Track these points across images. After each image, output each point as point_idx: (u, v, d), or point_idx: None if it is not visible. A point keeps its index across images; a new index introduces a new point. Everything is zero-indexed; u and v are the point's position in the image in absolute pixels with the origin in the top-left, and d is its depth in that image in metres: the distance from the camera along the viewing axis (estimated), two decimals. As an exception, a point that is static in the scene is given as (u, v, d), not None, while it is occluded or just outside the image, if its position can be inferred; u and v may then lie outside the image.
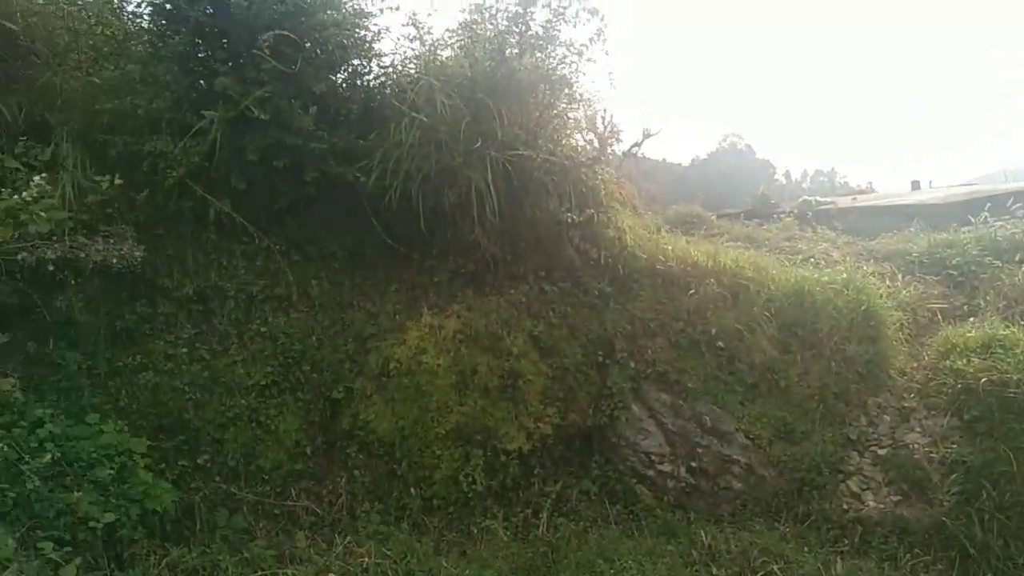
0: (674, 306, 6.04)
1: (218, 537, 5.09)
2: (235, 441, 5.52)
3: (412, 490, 5.52)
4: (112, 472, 4.77)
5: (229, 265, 5.78)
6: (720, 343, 5.88)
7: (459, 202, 5.60)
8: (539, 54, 5.75)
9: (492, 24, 5.83)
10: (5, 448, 4.40)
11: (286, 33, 5.03)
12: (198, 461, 5.43)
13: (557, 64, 5.69)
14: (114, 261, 4.83)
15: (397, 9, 5.74)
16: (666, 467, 5.69)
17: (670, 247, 6.36)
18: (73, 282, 5.19)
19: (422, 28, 5.93)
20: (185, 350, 5.59)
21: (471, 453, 5.51)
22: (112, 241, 4.85)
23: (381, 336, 5.81)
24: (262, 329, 5.77)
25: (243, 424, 5.57)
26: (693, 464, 5.65)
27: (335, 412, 5.76)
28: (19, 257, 4.57)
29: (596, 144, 6.22)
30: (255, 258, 5.83)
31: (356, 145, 5.58)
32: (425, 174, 5.53)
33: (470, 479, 5.46)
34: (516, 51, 5.66)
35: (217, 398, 5.56)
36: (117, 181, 4.99)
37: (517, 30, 5.66)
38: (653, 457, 5.71)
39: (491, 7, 5.81)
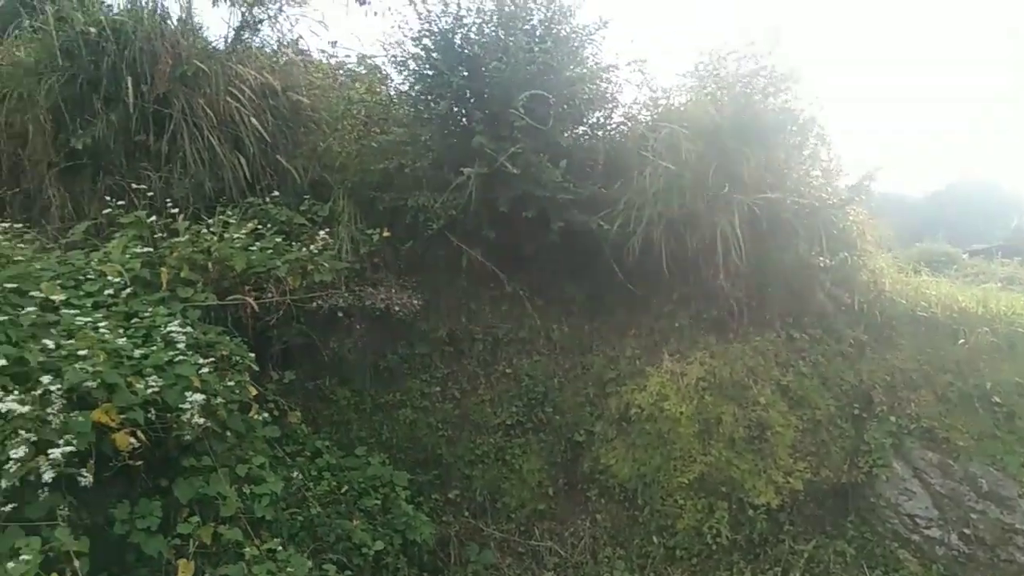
0: (940, 356, 6.01)
1: (470, 571, 5.82)
2: (483, 478, 6.27)
3: (654, 538, 5.93)
4: (378, 502, 5.64)
5: (477, 309, 6.60)
6: (996, 398, 5.77)
7: (702, 247, 6.02)
8: (784, 96, 6.07)
9: (735, 65, 6.25)
10: (297, 475, 5.39)
11: (539, 92, 5.76)
12: (449, 495, 6.24)
13: (807, 104, 5.98)
14: (396, 309, 5.75)
15: (641, 63, 6.32)
16: (934, 532, 5.66)
17: (931, 291, 6.34)
18: (345, 325, 6.24)
19: (648, 75, 6.52)
20: (438, 389, 6.46)
21: (716, 505, 5.83)
22: (393, 291, 5.79)
23: (621, 381, 6.33)
24: (507, 370, 6.51)
25: (490, 462, 6.32)
26: (967, 531, 5.57)
27: (576, 454, 6.34)
28: (314, 305, 5.61)
29: (822, 179, 6.40)
30: (501, 303, 6.61)
31: (599, 194, 6.18)
32: (668, 220, 6.01)
33: (715, 531, 5.77)
34: (761, 94, 6.02)
35: (467, 435, 6.36)
36: (385, 234, 6.00)
37: (764, 73, 6.02)
38: (919, 520, 5.70)
39: (733, 51, 6.23)
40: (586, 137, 6.43)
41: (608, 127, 6.59)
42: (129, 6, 6.38)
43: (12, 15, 6.61)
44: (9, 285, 4.30)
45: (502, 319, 6.59)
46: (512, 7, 6.09)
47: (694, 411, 5.94)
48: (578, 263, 6.54)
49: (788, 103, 6.06)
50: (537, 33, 6.23)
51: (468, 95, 6.07)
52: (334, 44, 8.01)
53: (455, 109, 6.07)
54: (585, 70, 6.25)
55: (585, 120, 6.51)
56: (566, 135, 6.15)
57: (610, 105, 6.54)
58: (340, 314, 5.77)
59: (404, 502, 5.71)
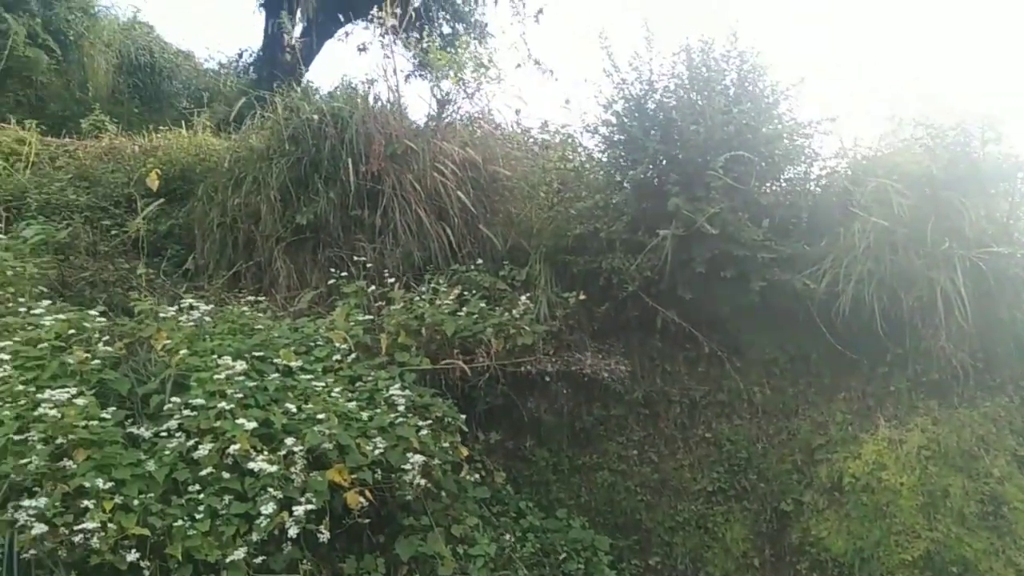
0: None
1: (674, 641, 6.13)
2: (683, 545, 6.59)
3: (875, 617, 5.98)
4: (581, 567, 6.11)
5: (673, 371, 7.02)
6: None
7: (919, 305, 6.12)
8: (1007, 143, 6.13)
9: (946, 112, 6.40)
10: (508, 537, 5.99)
11: (739, 153, 6.21)
12: (650, 562, 6.61)
13: (1028, 150, 6.01)
14: (605, 375, 6.33)
15: (836, 117, 6.62)
16: None
17: None
18: (540, 385, 6.87)
19: (847, 126, 6.77)
20: (635, 452, 6.89)
21: (946, 586, 5.80)
22: (600, 357, 6.37)
23: (831, 448, 6.48)
24: (706, 435, 6.85)
25: (691, 529, 6.64)
26: None
27: (783, 525, 6.52)
28: (522, 369, 6.29)
29: None
30: (697, 364, 6.99)
31: (802, 252, 6.47)
32: (879, 278, 6.19)
33: (947, 614, 5.74)
34: (979, 140, 6.13)
35: (666, 501, 6.73)
36: (581, 297, 6.63)
37: (978, 118, 6.13)
38: None
39: (941, 96, 6.38)
40: (785, 194, 6.76)
41: (807, 182, 6.89)
42: (346, 95, 7.55)
43: (248, 108, 8.00)
44: (257, 353, 5.28)
45: (699, 381, 6.95)
46: (706, 71, 6.61)
47: (916, 482, 5.98)
48: (780, 323, 6.80)
49: (1012, 149, 6.11)
50: (731, 93, 6.70)
51: (661, 158, 6.61)
52: (518, 112, 8.82)
53: (652, 173, 6.62)
54: (781, 126, 6.62)
55: (783, 176, 6.85)
56: (765, 193, 6.52)
57: (808, 159, 6.85)
58: (547, 379, 6.40)
59: (607, 567, 6.16)
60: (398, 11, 7.97)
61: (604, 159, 7.21)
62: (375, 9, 7.86)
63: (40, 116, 11.96)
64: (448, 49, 14.00)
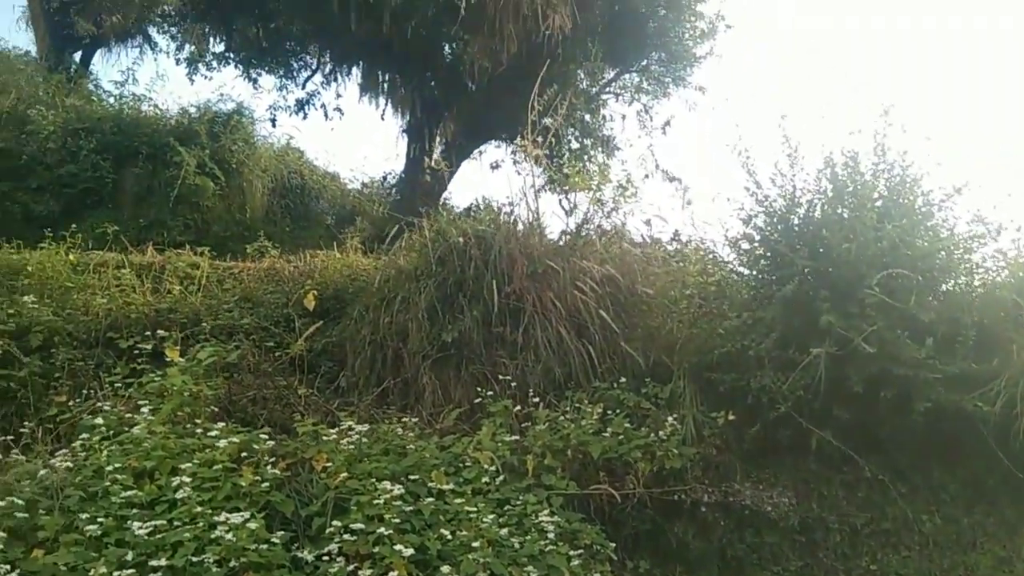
0: None
1: None
2: None
3: None
4: None
5: (830, 495, 6.62)
6: None
7: (1112, 431, 5.59)
8: None
9: None
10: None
11: (893, 271, 5.99)
12: None
13: None
14: (768, 508, 6.07)
15: (996, 233, 6.31)
16: None
17: None
18: (687, 509, 6.62)
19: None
20: (792, 583, 6.48)
21: None
22: (757, 484, 6.13)
23: (1018, 587, 5.88)
24: (871, 567, 6.35)
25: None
26: None
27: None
28: (675, 497, 6.12)
29: None
30: (856, 488, 6.57)
31: (970, 371, 6.07)
32: (1063, 400, 5.71)
33: None
34: None
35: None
36: (730, 417, 6.43)
37: None
38: None
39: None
40: (946, 309, 6.42)
41: (970, 295, 6.54)
42: (489, 217, 7.88)
43: (398, 231, 8.47)
44: (411, 476, 5.38)
45: (859, 507, 6.52)
46: (852, 185, 6.50)
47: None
48: (948, 446, 6.36)
49: None
50: (880, 206, 6.54)
51: (810, 275, 6.46)
52: (649, 223, 8.90)
53: (798, 289, 6.47)
54: (937, 240, 6.37)
55: (941, 290, 6.54)
56: (924, 309, 6.23)
57: (968, 272, 6.52)
58: (703, 509, 6.19)
59: None
60: (539, 139, 8.28)
61: (747, 273, 7.12)
62: (518, 139, 8.20)
63: (205, 237, 13.10)
64: (578, 164, 14.50)
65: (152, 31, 17.63)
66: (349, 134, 15.40)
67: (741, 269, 7.24)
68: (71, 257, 8.13)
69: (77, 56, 17.25)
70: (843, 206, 6.60)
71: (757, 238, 6.98)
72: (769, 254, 6.84)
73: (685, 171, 14.86)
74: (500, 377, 6.83)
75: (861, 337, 5.99)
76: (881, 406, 6.31)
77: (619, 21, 13.73)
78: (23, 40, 16.70)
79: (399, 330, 7.67)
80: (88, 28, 15.85)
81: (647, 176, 14.24)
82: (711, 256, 7.75)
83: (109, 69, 17.94)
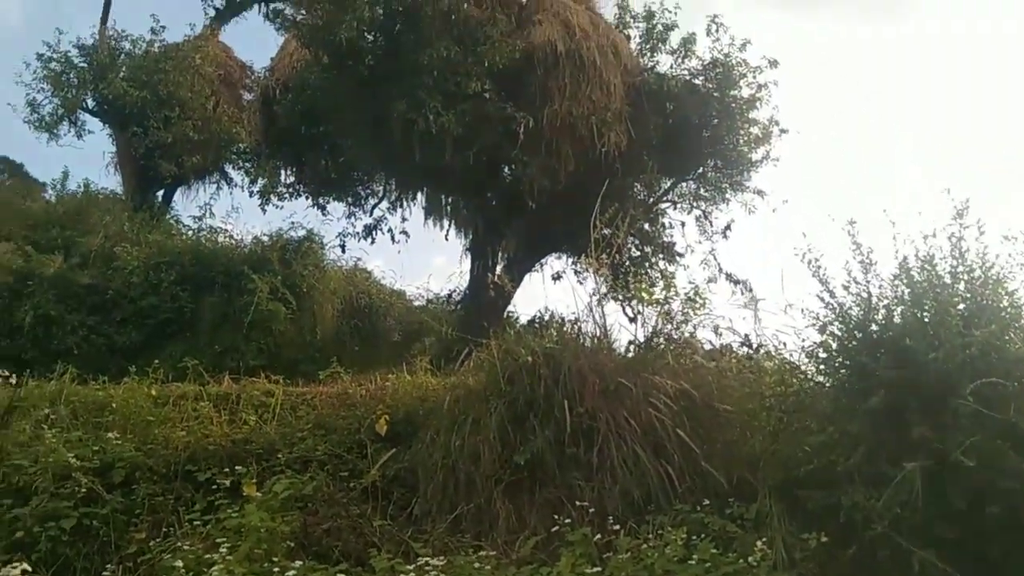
0: None
1: None
2: None
3: None
4: None
5: (944, 623, 6.10)
6: None
7: None
8: None
9: None
10: None
11: (986, 381, 5.69)
12: None
13: None
14: None
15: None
16: None
17: None
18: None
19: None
20: None
21: None
22: None
23: None
24: None
25: None
26: None
27: None
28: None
29: None
30: (970, 614, 6.05)
31: (1087, 482, 5.64)
32: None
33: None
34: None
35: None
36: (823, 539, 6.05)
37: None
38: None
39: None
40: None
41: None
42: (557, 335, 7.87)
43: (462, 344, 8.51)
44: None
45: (978, 635, 5.99)
46: (931, 290, 6.30)
47: None
48: (1070, 566, 5.84)
49: None
50: (964, 310, 6.30)
51: (895, 385, 6.19)
52: (718, 331, 8.73)
53: (884, 401, 6.19)
54: (1032, 342, 6.07)
55: (1041, 395, 6.16)
56: (1025, 416, 5.87)
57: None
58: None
59: None
60: (603, 257, 8.34)
61: (828, 383, 6.86)
62: (579, 251, 8.26)
63: (277, 360, 13.38)
64: (640, 272, 14.53)
65: (228, 168, 18.69)
66: (414, 251, 15.76)
67: (820, 378, 6.98)
68: (152, 391, 8.35)
69: (159, 194, 18.32)
70: (923, 311, 6.37)
71: (835, 346, 6.76)
72: (849, 363, 6.59)
73: (749, 272, 14.75)
74: (577, 503, 6.61)
75: (959, 451, 5.65)
76: (988, 522, 5.86)
77: (673, 133, 13.99)
78: (112, 182, 17.80)
79: (471, 452, 7.58)
80: (170, 169, 16.90)
81: (711, 280, 14.20)
82: (787, 366, 7.50)
83: (188, 204, 19.04)
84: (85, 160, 22.02)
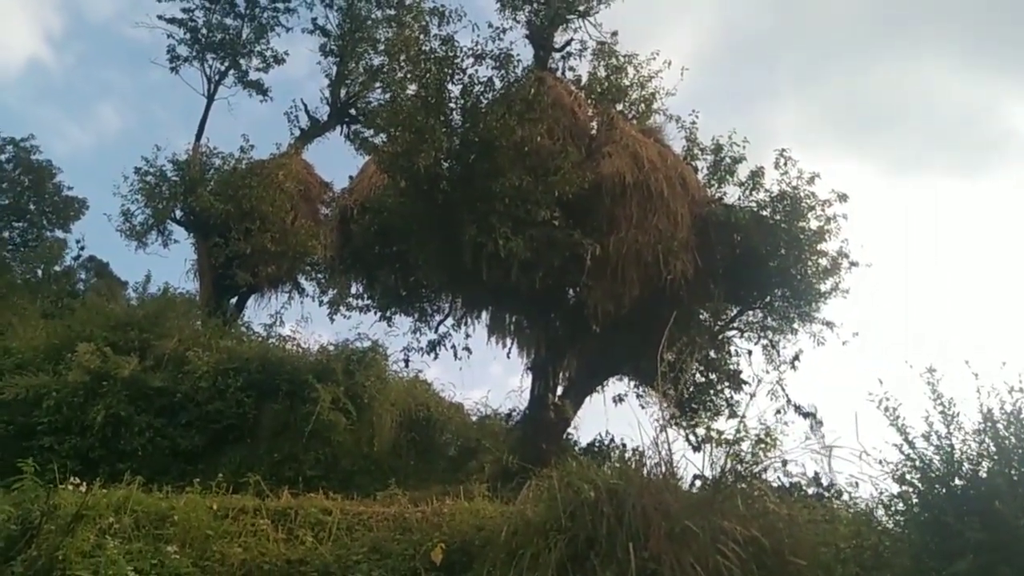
0: None
1: None
2: None
3: None
4: None
5: None
6: None
7: None
8: None
9: None
10: None
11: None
12: None
13: None
14: None
15: None
16: None
17: None
18: None
19: None
20: None
21: None
22: None
23: None
24: None
25: None
26: None
27: None
28: None
29: None
30: None
31: None
32: None
33: None
34: None
35: None
36: None
37: None
38: None
39: None
40: None
41: None
42: (620, 467, 7.67)
43: (524, 476, 8.33)
44: None
45: None
46: (1020, 446, 6.01)
47: None
48: None
49: None
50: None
51: (985, 549, 5.84)
52: (784, 465, 8.39)
53: (972, 563, 5.82)
54: None
55: None
56: None
57: None
58: None
59: None
60: (669, 391, 8.22)
61: (908, 538, 6.49)
62: (647, 383, 8.16)
63: (333, 471, 13.34)
64: (704, 398, 14.26)
65: (301, 278, 19.33)
66: (473, 358, 15.82)
67: (897, 530, 6.62)
68: (214, 504, 8.38)
69: (233, 301, 18.98)
70: (1011, 467, 6.06)
71: (915, 499, 6.45)
72: (931, 520, 6.26)
73: (817, 403, 14.34)
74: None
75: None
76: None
77: (740, 262, 14.00)
78: (190, 287, 18.59)
79: (527, 593, 7.30)
80: (246, 279, 17.57)
81: (779, 412, 13.81)
82: (863, 516, 7.13)
83: (260, 312, 19.65)
84: (166, 263, 23.09)
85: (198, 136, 19.56)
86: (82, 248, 31.20)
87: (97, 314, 16.22)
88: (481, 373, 33.25)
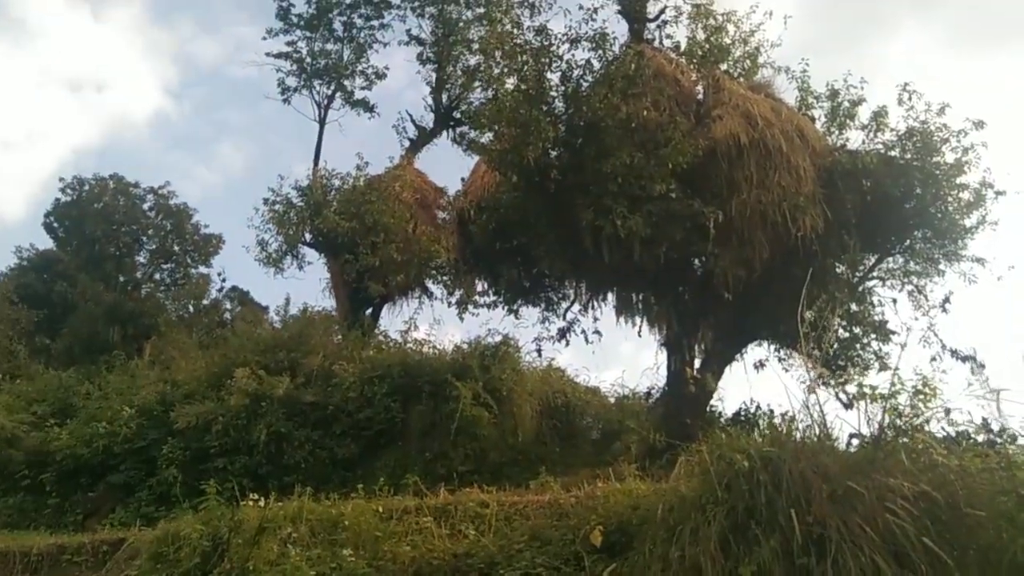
0: None
1: None
2: None
3: None
4: None
5: None
6: None
7: None
8: None
9: None
10: None
11: None
12: None
13: None
14: None
15: None
16: None
17: None
18: None
19: None
20: None
21: None
22: None
23: None
24: None
25: None
26: None
27: None
28: None
29: None
30: None
31: None
32: None
33: None
34: None
35: None
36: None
37: None
38: None
39: None
40: None
41: None
42: (770, 435, 7.52)
43: (671, 451, 8.33)
44: None
45: None
46: None
47: None
48: None
49: None
50: None
51: None
52: (948, 413, 7.95)
53: None
54: None
55: None
56: None
57: None
58: None
59: None
60: (812, 349, 7.98)
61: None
62: (787, 344, 7.96)
63: (482, 465, 13.73)
64: (850, 354, 13.69)
65: (428, 283, 19.97)
66: (605, 346, 15.89)
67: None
68: (378, 507, 8.84)
69: (368, 312, 19.82)
70: None
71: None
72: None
73: (976, 345, 13.44)
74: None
75: None
76: None
77: (872, 209, 13.34)
78: (327, 304, 19.61)
79: (692, 564, 7.28)
80: (378, 289, 18.32)
81: (934, 359, 13.09)
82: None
83: (394, 320, 20.45)
84: (302, 284, 24.43)
85: (315, 160, 20.54)
86: (223, 280, 33.58)
87: (248, 340, 17.37)
88: (613, 353, 33.19)
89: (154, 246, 34.23)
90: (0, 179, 55.43)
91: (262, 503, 8.49)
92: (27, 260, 33.01)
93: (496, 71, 13.31)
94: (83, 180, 33.23)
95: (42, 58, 56.31)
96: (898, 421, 7.26)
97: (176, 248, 34.28)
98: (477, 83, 18.80)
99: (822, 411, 7.61)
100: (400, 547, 8.01)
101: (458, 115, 21.40)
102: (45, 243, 33.59)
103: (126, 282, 32.48)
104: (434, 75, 21.40)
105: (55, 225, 33.17)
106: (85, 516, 13.79)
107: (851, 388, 12.65)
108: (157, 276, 34.41)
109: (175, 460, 13.20)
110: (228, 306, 33.58)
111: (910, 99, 13.43)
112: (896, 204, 13.31)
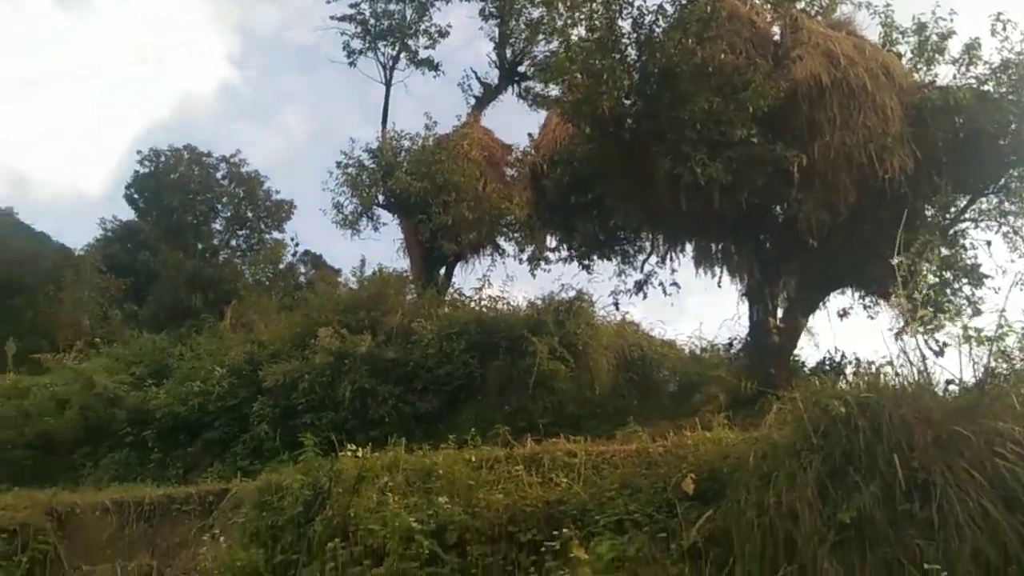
0: None
1: None
2: None
3: None
4: None
5: None
6: None
7: None
8: None
9: None
10: None
11: None
12: None
13: None
14: None
15: None
16: None
17: None
18: None
19: None
20: None
21: None
22: None
23: None
24: None
25: None
26: None
27: None
28: None
29: None
30: None
31: None
32: None
33: None
34: None
35: None
36: None
37: None
38: None
39: None
40: None
41: None
42: (870, 382, 7.36)
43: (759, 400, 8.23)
44: None
45: None
46: None
47: None
48: None
49: None
50: None
51: None
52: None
53: None
54: None
55: None
56: None
57: None
58: None
59: None
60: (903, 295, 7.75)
61: None
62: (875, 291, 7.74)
63: (561, 418, 13.86)
64: (941, 299, 13.21)
65: (500, 240, 20.04)
66: (681, 299, 15.75)
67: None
68: (471, 456, 9.03)
69: (442, 271, 20.04)
70: None
71: None
72: None
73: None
74: (920, 564, 6.05)
75: None
76: None
77: (965, 147, 12.74)
78: (401, 264, 19.91)
79: (788, 510, 7.24)
80: (451, 248, 18.48)
81: (1034, 307, 12.53)
82: None
83: (468, 277, 20.65)
84: (373, 246, 24.80)
85: (383, 122, 20.66)
86: (296, 244, 34.32)
87: (328, 300, 17.80)
88: (682, 308, 32.78)
89: (229, 214, 35.10)
90: (80, 158, 57.67)
91: (360, 453, 8.75)
92: (111, 231, 34.38)
93: (559, 23, 13.09)
94: (159, 152, 34.17)
95: (108, 34, 57.91)
96: (1004, 364, 7.01)
97: (250, 215, 35.10)
98: (540, 36, 18.53)
99: (923, 356, 7.41)
100: (493, 495, 8.18)
101: (522, 69, 21.18)
102: (127, 214, 34.84)
103: (204, 249, 33.47)
104: (497, 30, 21.17)
105: (135, 197, 34.27)
106: (186, 470, 14.50)
107: (942, 335, 12.27)
108: (233, 243, 35.36)
109: (265, 417, 13.85)
110: (303, 269, 34.40)
111: (1004, 29, 12.70)
112: (990, 141, 12.68)
